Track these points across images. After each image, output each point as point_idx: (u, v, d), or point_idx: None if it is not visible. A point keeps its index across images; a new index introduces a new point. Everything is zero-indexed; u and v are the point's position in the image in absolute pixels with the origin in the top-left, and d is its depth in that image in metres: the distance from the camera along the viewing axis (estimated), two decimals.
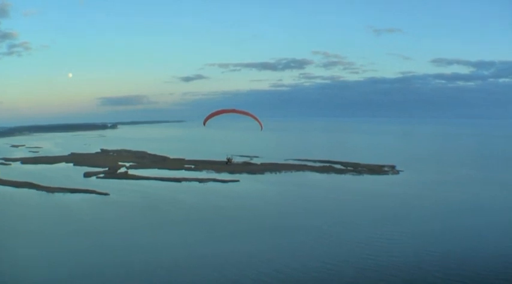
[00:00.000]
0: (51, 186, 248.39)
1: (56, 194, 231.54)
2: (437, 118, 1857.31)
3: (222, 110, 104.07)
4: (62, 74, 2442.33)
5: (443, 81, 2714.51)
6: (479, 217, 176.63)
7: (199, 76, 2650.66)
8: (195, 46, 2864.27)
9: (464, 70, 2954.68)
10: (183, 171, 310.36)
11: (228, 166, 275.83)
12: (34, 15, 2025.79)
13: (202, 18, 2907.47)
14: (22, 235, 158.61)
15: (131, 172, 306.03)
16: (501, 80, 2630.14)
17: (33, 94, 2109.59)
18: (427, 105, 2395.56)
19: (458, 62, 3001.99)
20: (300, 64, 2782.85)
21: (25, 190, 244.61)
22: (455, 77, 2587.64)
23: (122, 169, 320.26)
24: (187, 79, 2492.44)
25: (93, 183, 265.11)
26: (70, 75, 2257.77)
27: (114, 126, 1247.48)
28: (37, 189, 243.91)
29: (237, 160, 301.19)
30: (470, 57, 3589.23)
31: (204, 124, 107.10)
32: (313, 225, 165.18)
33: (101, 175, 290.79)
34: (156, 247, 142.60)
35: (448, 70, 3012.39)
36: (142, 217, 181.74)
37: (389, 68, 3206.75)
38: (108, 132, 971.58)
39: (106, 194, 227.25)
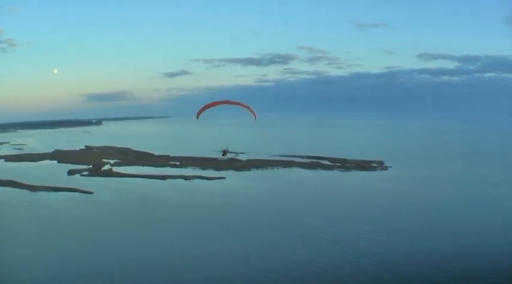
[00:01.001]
0: (34, 184, 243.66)
1: (39, 193, 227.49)
2: (422, 112, 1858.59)
3: (214, 102, 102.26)
4: (47, 70, 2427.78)
5: (428, 76, 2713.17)
6: (469, 215, 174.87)
7: (184, 72, 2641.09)
8: (180, 42, 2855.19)
9: (449, 65, 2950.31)
10: (168, 167, 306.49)
11: (214, 163, 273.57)
12: (19, 11, 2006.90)
13: (187, 13, 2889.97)
14: (1, 236, 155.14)
15: (115, 169, 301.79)
16: (486, 75, 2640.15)
17: (18, 90, 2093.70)
18: (412, 100, 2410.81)
19: (443, 57, 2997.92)
20: (284, 59, 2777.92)
21: (7, 188, 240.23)
22: (441, 72, 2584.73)
23: (106, 167, 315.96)
24: (172, 75, 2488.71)
25: (77, 181, 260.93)
26: (55, 71, 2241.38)
27: (99, 122, 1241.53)
28: (20, 188, 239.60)
29: (222, 157, 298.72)
30: (455, 52, 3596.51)
31: (198, 117, 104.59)
32: (302, 223, 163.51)
33: (85, 173, 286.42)
34: (140, 246, 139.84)
35: (434, 65, 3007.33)
36: (126, 217, 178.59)
37: (374, 63, 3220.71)
38: (93, 128, 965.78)
39: (90, 192, 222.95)
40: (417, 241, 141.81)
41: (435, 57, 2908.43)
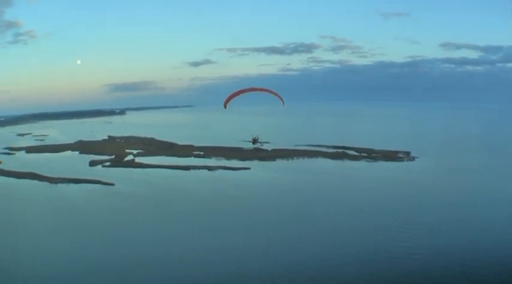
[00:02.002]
0: (55, 176, 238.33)
1: (59, 185, 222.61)
2: (446, 102, 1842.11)
3: (241, 90, 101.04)
4: (68, 61, 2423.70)
5: (452, 66, 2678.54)
6: (503, 210, 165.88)
7: (207, 61, 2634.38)
8: (203, 31, 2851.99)
9: (472, 54, 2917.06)
10: (192, 158, 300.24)
11: (239, 153, 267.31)
12: (38, 3, 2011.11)
13: (210, 2, 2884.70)
14: (19, 230, 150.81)
15: (138, 160, 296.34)
16: (509, 65, 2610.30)
17: (40, 82, 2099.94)
18: (436, 89, 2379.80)
19: (466, 47, 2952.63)
20: (308, 48, 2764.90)
21: (27, 181, 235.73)
22: (464, 62, 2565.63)
23: (129, 157, 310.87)
24: (195, 64, 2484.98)
25: (99, 172, 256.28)
26: (78, 61, 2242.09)
27: (122, 112, 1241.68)
28: (39, 180, 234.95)
29: (247, 146, 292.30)
30: (478, 41, 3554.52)
31: (225, 106, 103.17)
32: (326, 214, 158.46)
33: (107, 164, 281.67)
34: (162, 240, 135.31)
35: (457, 54, 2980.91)
36: (147, 209, 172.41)
37: (397, 52, 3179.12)
38: (116, 119, 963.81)
39: (111, 184, 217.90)
40: (449, 237, 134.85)
41: (458, 46, 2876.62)
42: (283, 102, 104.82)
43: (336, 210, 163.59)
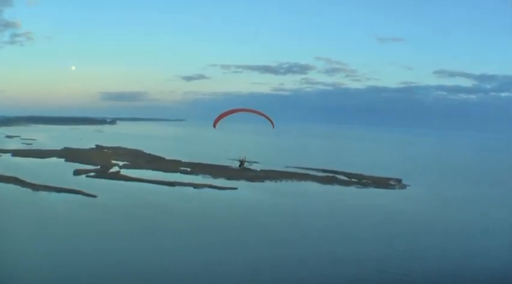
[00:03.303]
0: (37, 183, 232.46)
1: (41, 192, 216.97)
2: (438, 129, 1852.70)
3: (232, 110, 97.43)
4: (63, 66, 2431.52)
5: (445, 93, 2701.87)
6: (495, 240, 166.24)
7: (201, 76, 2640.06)
8: (198, 46, 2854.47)
9: (466, 83, 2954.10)
10: (178, 173, 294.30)
11: (226, 171, 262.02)
12: (38, 5, 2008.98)
13: (206, 18, 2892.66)
14: None
15: (123, 172, 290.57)
16: (503, 94, 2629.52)
17: (34, 84, 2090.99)
18: (428, 116, 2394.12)
19: (460, 75, 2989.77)
20: (302, 69, 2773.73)
21: (10, 185, 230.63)
22: (458, 89, 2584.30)
23: (115, 169, 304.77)
24: (189, 78, 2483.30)
25: (82, 182, 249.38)
26: (73, 67, 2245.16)
27: (113, 121, 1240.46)
28: (22, 185, 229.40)
29: (235, 165, 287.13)
30: (473, 70, 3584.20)
31: (215, 126, 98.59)
32: (315, 242, 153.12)
33: (92, 174, 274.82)
34: (135, 257, 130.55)
35: (451, 82, 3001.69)
36: (126, 225, 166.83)
37: (391, 77, 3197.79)
38: (106, 128, 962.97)
39: (93, 196, 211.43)
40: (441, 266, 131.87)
41: (452, 74, 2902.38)
42: (273, 125, 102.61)
43: (326, 238, 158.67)
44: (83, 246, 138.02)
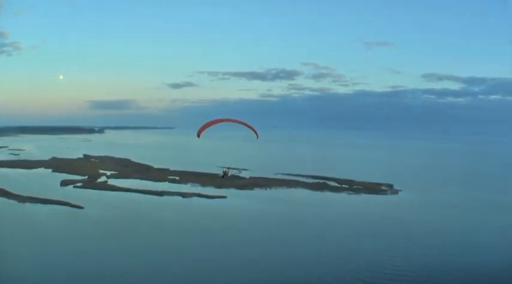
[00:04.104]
0: (23, 194, 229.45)
1: (26, 204, 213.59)
2: (427, 133, 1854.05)
3: (216, 120, 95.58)
4: (51, 75, 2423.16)
5: (433, 97, 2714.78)
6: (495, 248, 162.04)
7: (188, 84, 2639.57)
8: (185, 53, 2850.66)
9: (454, 86, 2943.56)
10: (167, 183, 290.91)
11: (215, 180, 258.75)
12: (25, 14, 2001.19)
13: (193, 25, 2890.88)
14: None
15: (111, 182, 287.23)
16: (492, 97, 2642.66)
17: (22, 94, 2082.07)
18: (416, 120, 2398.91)
19: (448, 78, 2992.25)
20: (289, 75, 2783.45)
21: None
22: (446, 93, 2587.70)
23: (102, 178, 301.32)
24: (176, 86, 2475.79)
25: (69, 193, 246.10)
26: (61, 76, 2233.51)
27: (101, 130, 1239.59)
28: (7, 197, 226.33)
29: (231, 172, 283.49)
30: (461, 73, 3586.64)
31: (199, 136, 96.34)
32: (310, 253, 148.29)
33: (79, 185, 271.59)
34: (125, 274, 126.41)
35: (439, 85, 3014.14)
36: (112, 237, 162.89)
37: (379, 82, 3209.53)
38: (94, 137, 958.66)
39: (80, 207, 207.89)
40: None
41: (440, 77, 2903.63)
42: (257, 136, 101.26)
43: (321, 249, 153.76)
44: (67, 261, 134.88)
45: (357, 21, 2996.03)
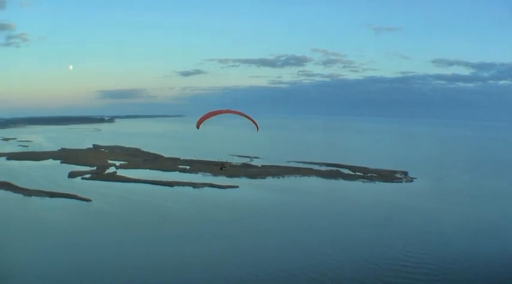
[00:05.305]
0: (30, 187, 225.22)
1: (33, 198, 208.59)
2: (437, 118, 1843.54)
3: (216, 111, 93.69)
4: (60, 66, 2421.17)
5: (443, 82, 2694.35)
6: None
7: (198, 71, 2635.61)
8: (194, 41, 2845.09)
9: (464, 71, 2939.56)
10: (177, 172, 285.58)
11: (227, 168, 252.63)
12: (31, 6, 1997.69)
13: (201, 12, 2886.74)
14: None
15: (120, 172, 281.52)
16: (501, 82, 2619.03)
17: (31, 85, 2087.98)
18: (426, 106, 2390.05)
19: (458, 63, 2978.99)
20: (299, 61, 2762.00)
21: (0, 191, 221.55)
22: (456, 78, 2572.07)
23: (111, 169, 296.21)
24: (186, 73, 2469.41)
25: (77, 185, 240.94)
26: (71, 67, 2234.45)
27: (111, 119, 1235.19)
28: (14, 191, 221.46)
29: (235, 161, 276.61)
30: (470, 58, 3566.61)
31: (198, 127, 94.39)
32: (325, 243, 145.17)
33: (87, 176, 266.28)
34: (136, 269, 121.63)
35: (449, 71, 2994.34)
36: (121, 232, 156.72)
37: (389, 67, 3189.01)
38: (104, 126, 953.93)
39: (88, 200, 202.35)
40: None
41: (450, 63, 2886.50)
42: (257, 128, 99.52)
43: (337, 242, 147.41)
44: (72, 257, 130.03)
45: (365, 7, 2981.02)
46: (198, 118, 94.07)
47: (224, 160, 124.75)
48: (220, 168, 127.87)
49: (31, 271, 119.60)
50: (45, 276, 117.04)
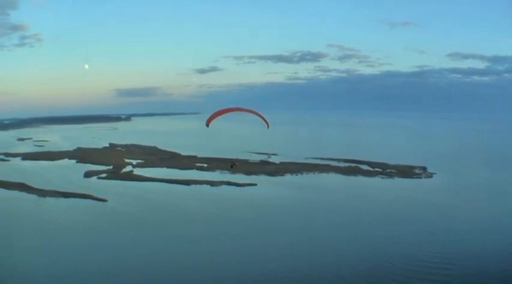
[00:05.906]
0: (45, 188, 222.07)
1: (48, 199, 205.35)
2: (453, 112, 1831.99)
3: (226, 109, 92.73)
4: (75, 65, 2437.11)
5: (459, 76, 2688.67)
6: None
7: (214, 69, 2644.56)
8: (210, 38, 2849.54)
9: (479, 64, 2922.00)
10: (194, 170, 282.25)
11: (245, 166, 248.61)
12: (43, 6, 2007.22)
13: (217, 9, 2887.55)
14: None
15: (137, 171, 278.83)
16: None
17: (47, 85, 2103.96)
18: (443, 100, 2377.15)
19: (473, 56, 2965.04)
20: (315, 57, 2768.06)
21: (15, 192, 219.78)
22: (471, 72, 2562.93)
23: (128, 168, 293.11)
24: (202, 71, 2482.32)
25: (93, 184, 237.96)
26: (86, 66, 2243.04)
27: (128, 118, 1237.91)
28: (28, 192, 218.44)
29: (253, 158, 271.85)
30: (485, 51, 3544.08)
31: (208, 125, 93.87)
32: (344, 240, 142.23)
33: (103, 176, 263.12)
34: (146, 271, 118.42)
35: (464, 64, 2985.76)
36: (138, 233, 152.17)
37: (404, 62, 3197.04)
38: (121, 125, 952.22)
39: (104, 200, 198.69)
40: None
41: (465, 56, 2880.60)
42: (268, 125, 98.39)
43: (359, 241, 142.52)
44: (86, 259, 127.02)
45: (381, 2, 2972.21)
46: (207, 118, 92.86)
47: (235, 158, 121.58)
48: (230, 166, 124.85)
49: (44, 272, 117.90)
50: (60, 276, 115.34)
